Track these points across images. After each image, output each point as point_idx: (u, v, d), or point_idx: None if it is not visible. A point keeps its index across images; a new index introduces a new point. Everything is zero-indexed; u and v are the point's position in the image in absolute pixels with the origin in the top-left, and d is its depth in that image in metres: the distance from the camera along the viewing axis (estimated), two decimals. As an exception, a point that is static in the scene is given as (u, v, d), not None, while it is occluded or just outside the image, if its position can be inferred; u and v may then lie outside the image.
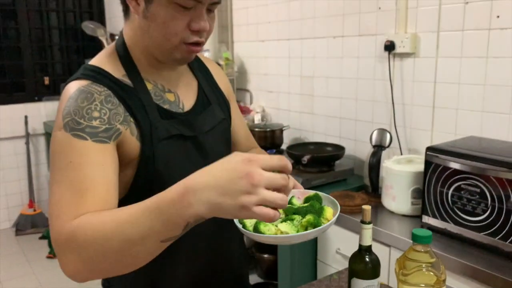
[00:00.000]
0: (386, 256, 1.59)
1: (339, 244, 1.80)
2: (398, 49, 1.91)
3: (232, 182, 0.60)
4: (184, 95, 0.99)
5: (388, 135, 1.90)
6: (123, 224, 0.68)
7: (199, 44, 0.89)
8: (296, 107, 2.57)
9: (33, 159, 3.89)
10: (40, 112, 3.86)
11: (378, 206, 1.82)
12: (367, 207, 0.95)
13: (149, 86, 0.93)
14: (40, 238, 3.59)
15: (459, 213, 1.47)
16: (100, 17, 4.11)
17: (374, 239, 1.63)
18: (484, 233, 1.41)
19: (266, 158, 0.63)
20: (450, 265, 1.39)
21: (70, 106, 0.82)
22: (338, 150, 2.13)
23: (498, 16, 1.60)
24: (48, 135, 3.87)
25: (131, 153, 0.87)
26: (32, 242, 3.55)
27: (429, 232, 0.92)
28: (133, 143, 0.87)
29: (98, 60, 0.92)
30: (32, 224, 3.72)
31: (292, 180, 0.80)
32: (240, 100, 3.02)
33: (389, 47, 1.92)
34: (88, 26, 3.60)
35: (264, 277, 2.44)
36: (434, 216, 1.54)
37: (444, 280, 0.90)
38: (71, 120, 0.81)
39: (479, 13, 1.65)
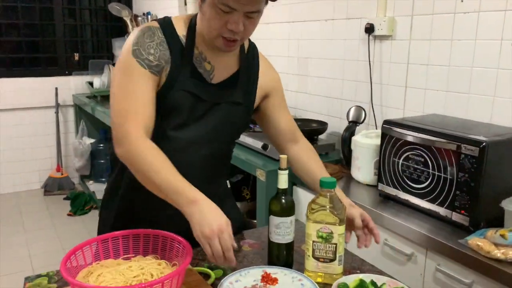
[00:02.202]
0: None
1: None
2: (377, 32, 2.03)
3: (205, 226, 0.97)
4: (219, 71, 1.20)
5: (363, 112, 2.04)
6: (158, 180, 1.02)
7: (234, 40, 1.10)
8: (294, 87, 2.73)
9: (62, 128, 4.26)
10: (69, 85, 4.21)
11: (349, 178, 1.97)
12: (283, 156, 1.13)
13: (196, 51, 1.16)
14: (64, 198, 3.96)
15: (407, 181, 1.60)
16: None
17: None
18: (426, 199, 1.54)
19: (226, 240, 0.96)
20: (398, 228, 1.53)
21: (139, 37, 1.11)
22: (320, 126, 2.28)
23: (462, 1, 1.70)
24: (76, 106, 4.22)
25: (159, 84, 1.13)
26: (57, 202, 3.93)
27: (333, 179, 1.09)
28: (162, 76, 1.13)
29: (176, 17, 1.19)
30: (59, 186, 4.10)
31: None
32: (246, 79, 3.19)
33: (369, 29, 2.05)
34: (114, 7, 3.87)
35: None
36: (388, 184, 1.69)
37: (342, 220, 1.06)
38: (137, 49, 1.10)
39: (447, -3, 1.76)
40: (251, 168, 2.13)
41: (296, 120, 2.46)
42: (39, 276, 1.10)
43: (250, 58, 1.27)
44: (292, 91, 2.75)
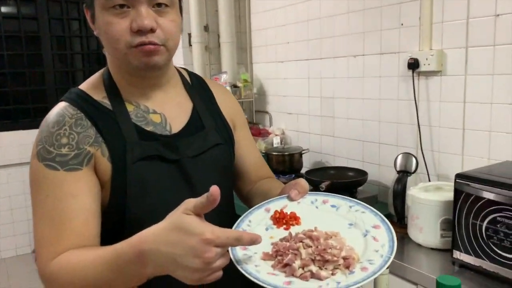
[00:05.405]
0: (413, 295, 1.43)
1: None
2: (422, 67, 1.77)
3: (187, 259, 0.62)
4: (173, 116, 0.93)
5: (414, 160, 1.75)
6: (92, 275, 0.71)
7: (151, 44, 0.81)
8: (317, 130, 2.45)
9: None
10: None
11: (404, 238, 1.66)
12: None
13: (130, 108, 0.89)
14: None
15: (495, 249, 1.30)
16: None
17: (399, 276, 1.49)
18: (525, 273, 1.24)
19: (223, 239, 0.62)
20: (487, 308, 1.23)
21: (43, 132, 0.84)
22: (360, 176, 1.99)
23: (533, 29, 1.46)
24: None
25: (104, 175, 0.83)
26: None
27: (457, 281, 0.79)
28: (104, 164, 0.83)
29: (84, 84, 0.92)
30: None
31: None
32: (259, 123, 2.92)
33: (413, 65, 1.79)
34: (109, 51, 3.61)
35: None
36: (467, 252, 1.38)
37: None
38: (42, 148, 0.81)
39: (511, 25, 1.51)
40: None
41: (329, 168, 2.19)
42: None
43: (197, 87, 1.01)
44: (315, 134, 2.46)
